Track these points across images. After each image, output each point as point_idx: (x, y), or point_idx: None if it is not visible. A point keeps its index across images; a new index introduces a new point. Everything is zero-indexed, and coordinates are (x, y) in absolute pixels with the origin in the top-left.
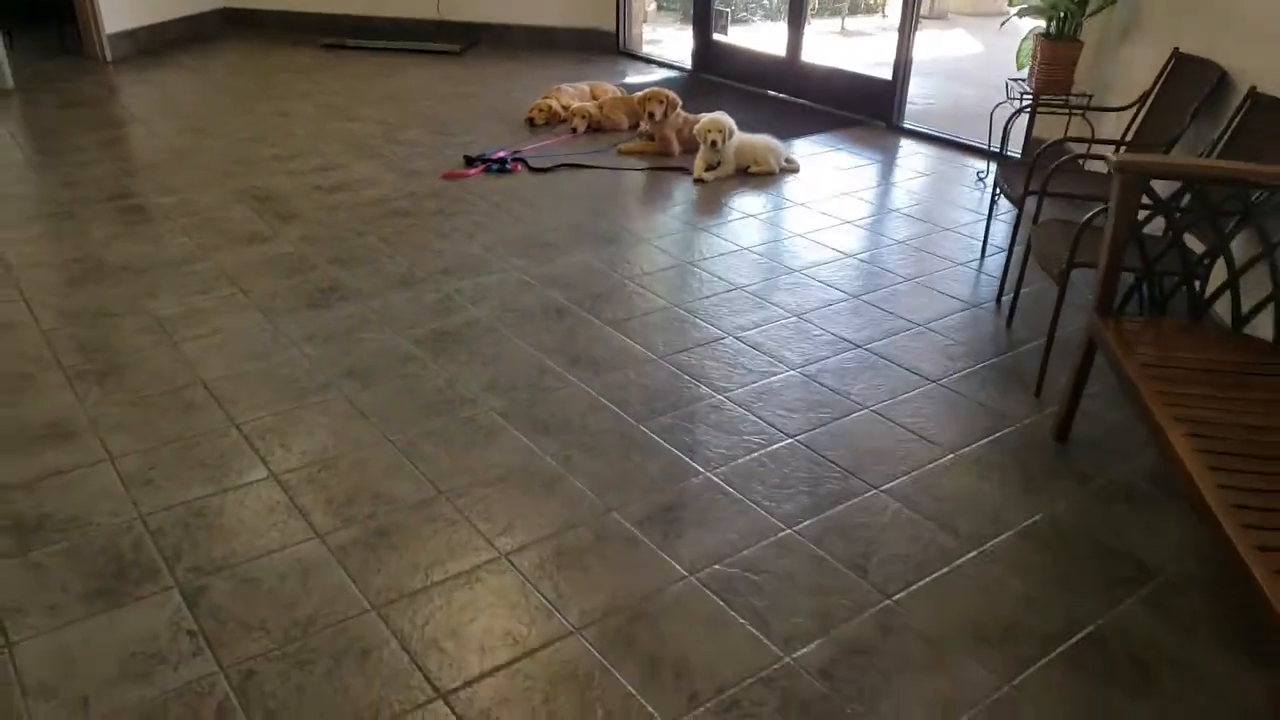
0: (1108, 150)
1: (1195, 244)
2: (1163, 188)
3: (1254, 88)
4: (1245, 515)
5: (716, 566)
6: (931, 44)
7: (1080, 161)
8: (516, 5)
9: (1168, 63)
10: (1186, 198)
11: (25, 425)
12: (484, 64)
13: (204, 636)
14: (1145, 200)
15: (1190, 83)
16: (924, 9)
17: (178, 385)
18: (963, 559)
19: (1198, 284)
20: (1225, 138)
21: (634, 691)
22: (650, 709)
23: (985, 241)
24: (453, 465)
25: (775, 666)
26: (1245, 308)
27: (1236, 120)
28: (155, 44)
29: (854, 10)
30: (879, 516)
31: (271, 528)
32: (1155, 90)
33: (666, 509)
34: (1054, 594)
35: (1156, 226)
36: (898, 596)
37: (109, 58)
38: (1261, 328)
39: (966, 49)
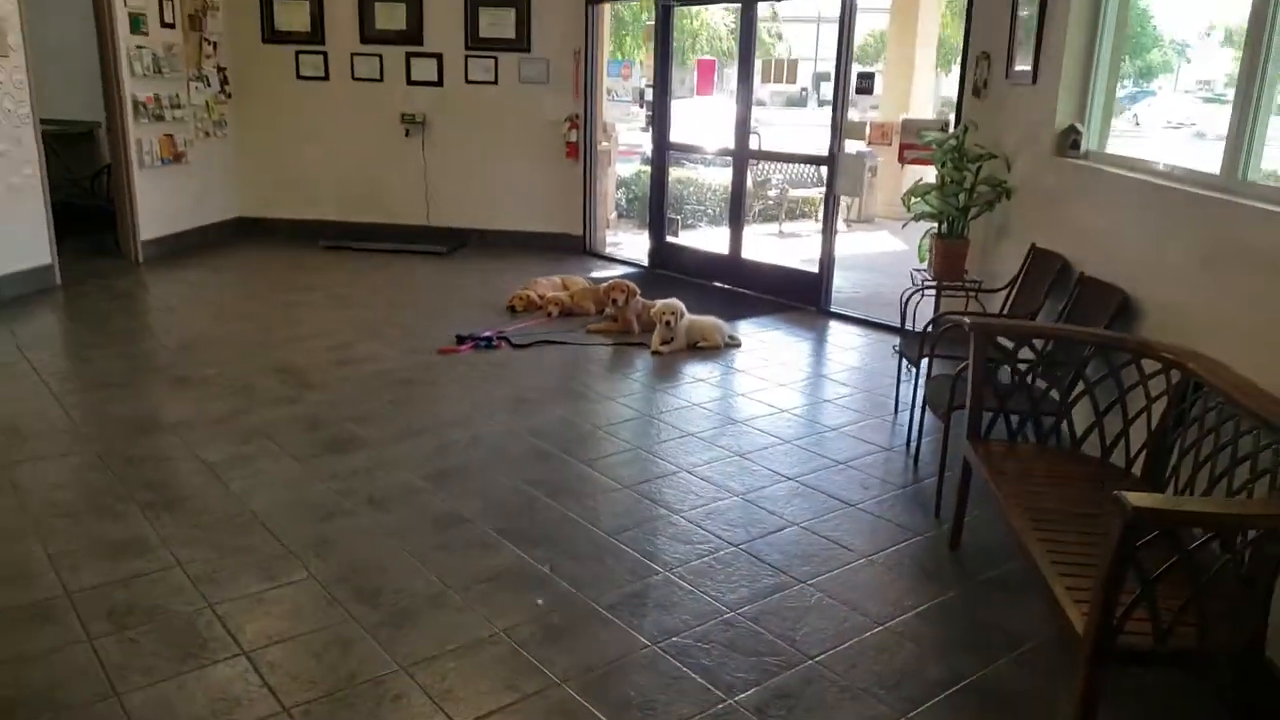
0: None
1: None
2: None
3: (1082, 273)
4: (1061, 568)
5: (674, 638)
6: (859, 243)
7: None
8: (496, 213)
9: (1028, 255)
10: (1026, 350)
11: (112, 542)
12: (469, 262)
13: (269, 687)
14: (1009, 355)
15: (1043, 269)
16: (853, 214)
17: (230, 513)
18: (870, 632)
19: (1043, 417)
20: (1067, 309)
21: None
22: None
23: (897, 399)
24: (459, 569)
25: (720, 706)
26: (1078, 432)
27: (1073, 296)
28: (180, 248)
29: (790, 215)
30: (805, 602)
31: (316, 612)
32: (1020, 276)
33: (633, 597)
34: (941, 655)
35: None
36: (819, 657)
37: (141, 259)
38: (1090, 447)
39: (889, 247)
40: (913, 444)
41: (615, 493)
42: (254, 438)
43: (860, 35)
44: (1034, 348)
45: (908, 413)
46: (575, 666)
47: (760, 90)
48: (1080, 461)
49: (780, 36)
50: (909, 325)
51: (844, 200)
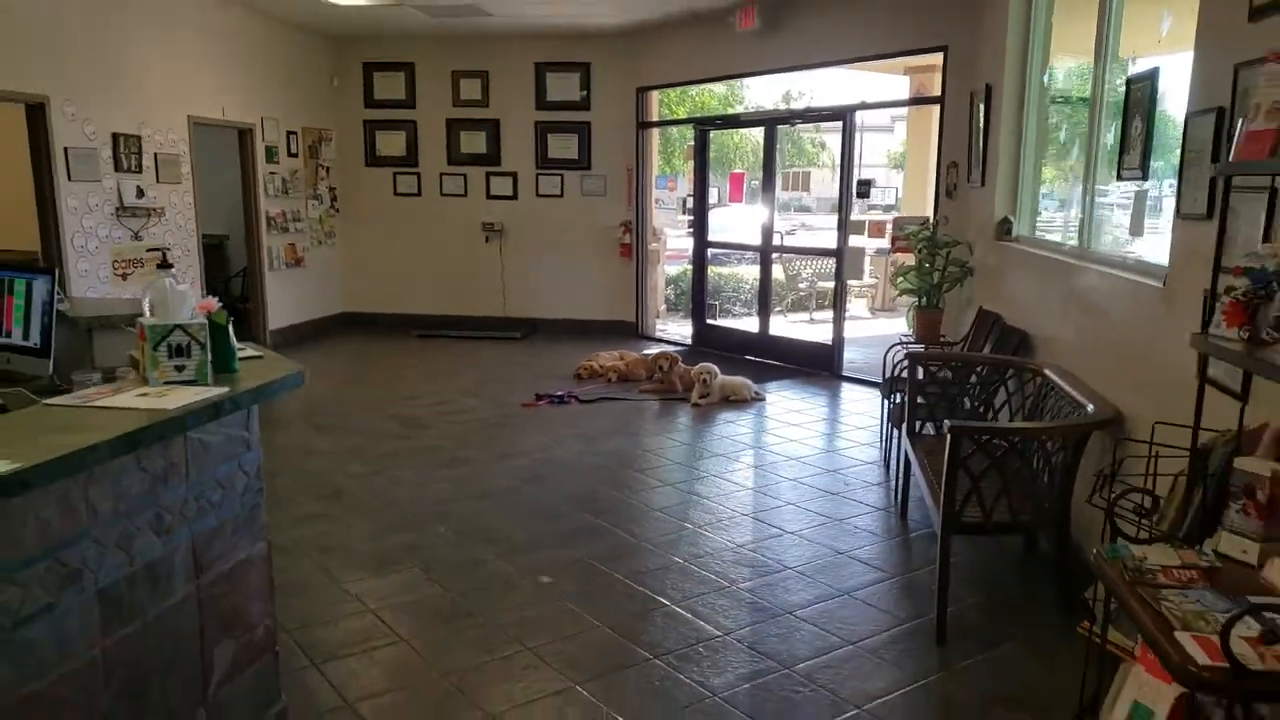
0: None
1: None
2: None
3: (1005, 322)
4: (933, 488)
5: (701, 557)
6: (880, 327)
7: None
8: (562, 304)
9: (976, 315)
10: (945, 370)
11: (303, 515)
12: (540, 345)
13: (436, 583)
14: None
15: (985, 323)
16: (877, 303)
17: (377, 500)
18: (840, 557)
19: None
20: (994, 348)
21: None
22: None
23: (882, 425)
24: (545, 530)
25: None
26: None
27: (999, 338)
28: (297, 337)
29: (819, 306)
30: (802, 543)
31: (456, 549)
32: (971, 331)
33: (669, 541)
34: (886, 561)
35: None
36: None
37: (269, 345)
38: None
39: (905, 329)
40: (884, 452)
41: (660, 488)
42: (383, 460)
43: (897, 144)
44: (953, 369)
45: (884, 434)
46: (629, 572)
47: (806, 199)
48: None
49: (824, 145)
50: (883, 373)
51: (866, 290)
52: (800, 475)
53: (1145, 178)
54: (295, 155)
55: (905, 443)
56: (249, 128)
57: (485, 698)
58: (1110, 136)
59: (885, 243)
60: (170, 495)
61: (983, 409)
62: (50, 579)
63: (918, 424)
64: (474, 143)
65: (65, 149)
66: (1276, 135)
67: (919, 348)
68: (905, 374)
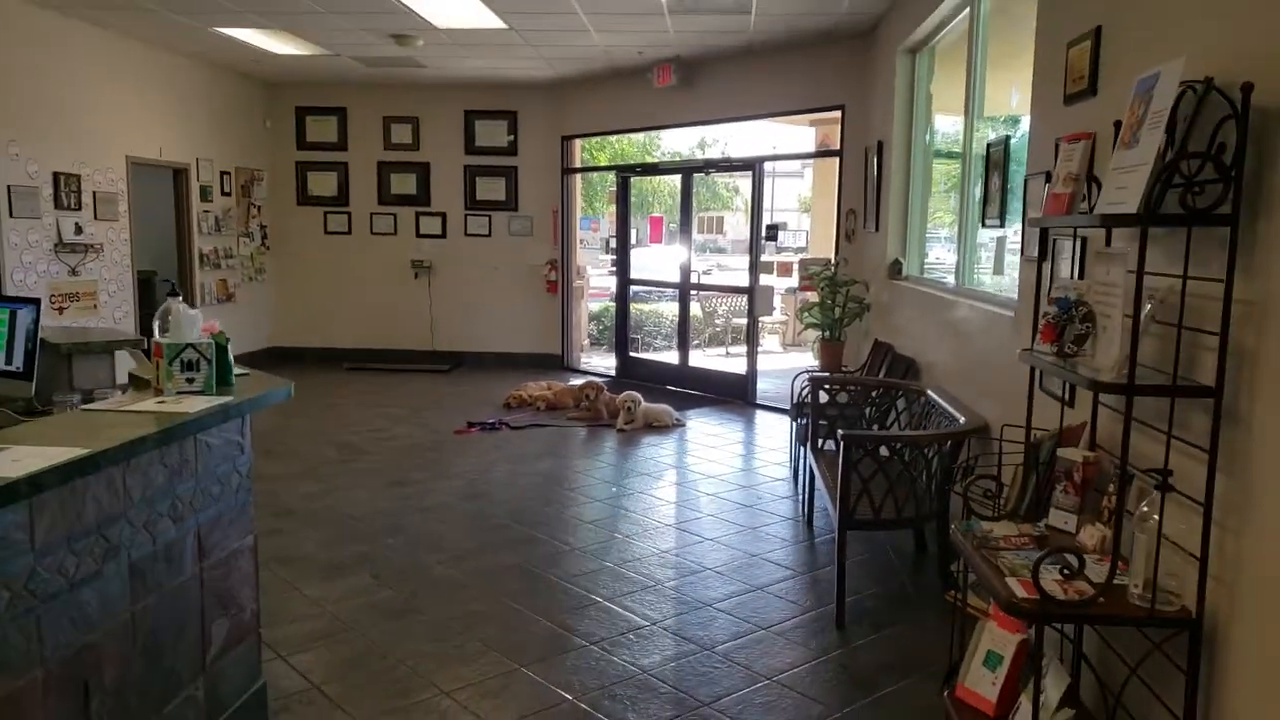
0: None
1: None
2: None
3: (896, 351)
4: (832, 491)
5: (633, 561)
6: (791, 360)
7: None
8: (489, 337)
9: (872, 346)
10: (840, 391)
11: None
12: (468, 377)
13: (386, 588)
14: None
15: (880, 353)
16: (788, 339)
17: (329, 516)
18: (752, 559)
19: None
20: (886, 373)
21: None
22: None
23: (791, 447)
24: (490, 541)
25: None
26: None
27: (890, 366)
28: None
29: (735, 341)
30: (719, 548)
31: (403, 558)
32: (868, 360)
33: (600, 544)
34: (785, 545)
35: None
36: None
37: None
38: None
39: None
40: (794, 469)
41: (590, 503)
42: (331, 481)
43: (808, 188)
44: (851, 393)
45: (792, 454)
46: (564, 574)
47: (723, 240)
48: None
49: (737, 190)
50: (790, 399)
51: (778, 326)
52: (718, 491)
53: (1003, 225)
54: (229, 194)
55: (809, 458)
56: (184, 167)
57: (439, 678)
58: (979, 189)
59: (794, 281)
60: (183, 487)
61: (877, 426)
62: (97, 550)
63: (820, 441)
64: (404, 184)
65: (8, 187)
66: (1070, 198)
67: (823, 375)
68: (809, 398)
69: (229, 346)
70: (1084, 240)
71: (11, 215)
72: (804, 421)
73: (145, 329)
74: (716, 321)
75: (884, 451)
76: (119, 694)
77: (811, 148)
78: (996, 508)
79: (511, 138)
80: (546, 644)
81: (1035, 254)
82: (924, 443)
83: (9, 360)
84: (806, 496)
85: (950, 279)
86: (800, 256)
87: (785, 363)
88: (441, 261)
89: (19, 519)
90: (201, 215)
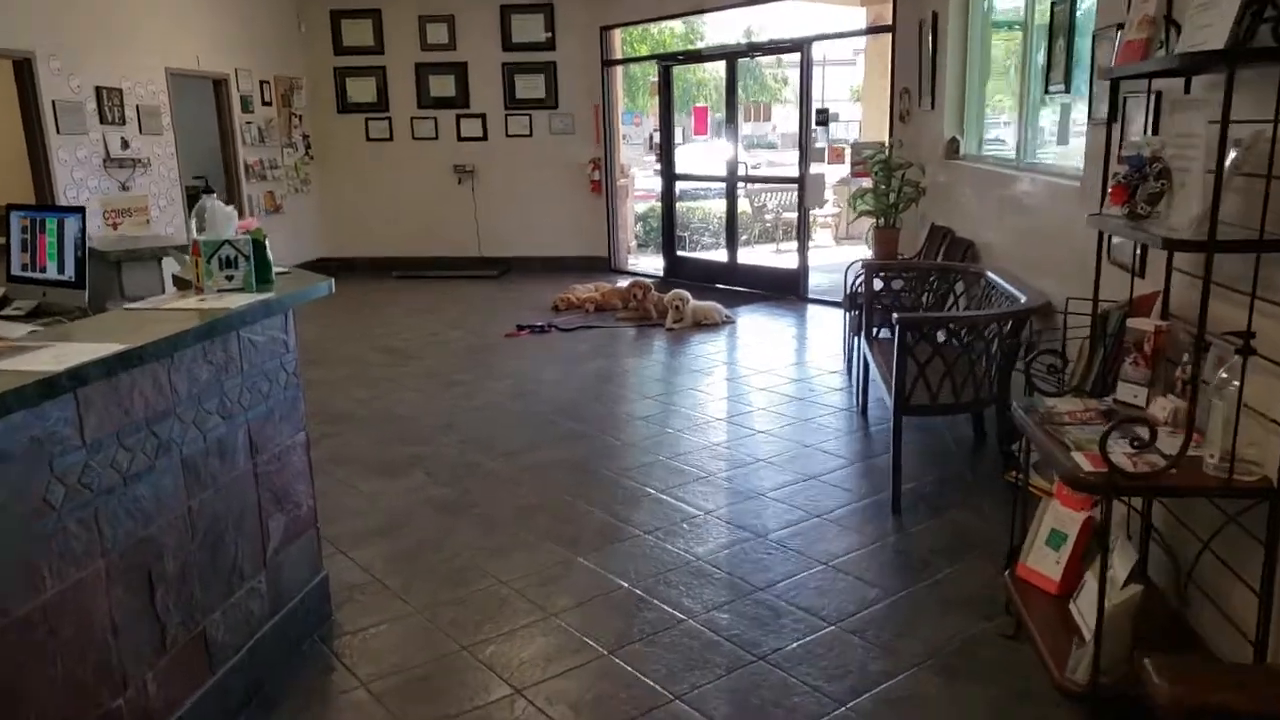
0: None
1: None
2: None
3: (954, 234)
4: (886, 378)
5: (682, 454)
6: (844, 254)
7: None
8: (536, 242)
9: (929, 231)
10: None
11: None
12: (517, 282)
13: (436, 483)
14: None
15: (937, 238)
16: (840, 231)
17: (386, 416)
18: (808, 449)
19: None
20: (944, 256)
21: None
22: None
23: (844, 340)
24: (540, 435)
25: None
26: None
27: (948, 249)
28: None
29: (785, 237)
30: (772, 441)
31: (456, 455)
32: (924, 245)
33: (651, 439)
34: (847, 446)
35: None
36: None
37: None
38: None
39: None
40: (847, 361)
41: (640, 400)
42: (381, 385)
43: (860, 78)
44: (907, 279)
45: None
46: (616, 469)
47: (772, 134)
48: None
49: (785, 81)
50: (844, 290)
51: (830, 219)
52: (769, 385)
53: (1068, 90)
54: (269, 104)
55: (864, 347)
56: (223, 77)
57: (496, 568)
58: (1041, 55)
59: (845, 169)
60: (230, 384)
61: (937, 311)
62: (149, 446)
63: (875, 329)
64: (443, 86)
65: (53, 103)
66: (1145, 44)
67: (877, 263)
68: (863, 286)
69: (266, 243)
70: (1158, 95)
71: (59, 132)
72: (858, 312)
73: None
74: (766, 217)
75: (940, 336)
76: (183, 584)
77: (863, 26)
78: (1061, 383)
79: (549, 32)
80: (601, 534)
81: (1104, 115)
82: (982, 324)
83: (60, 269)
84: (861, 387)
85: (1010, 154)
86: (852, 140)
87: (838, 257)
88: (484, 165)
89: (66, 414)
90: (244, 126)
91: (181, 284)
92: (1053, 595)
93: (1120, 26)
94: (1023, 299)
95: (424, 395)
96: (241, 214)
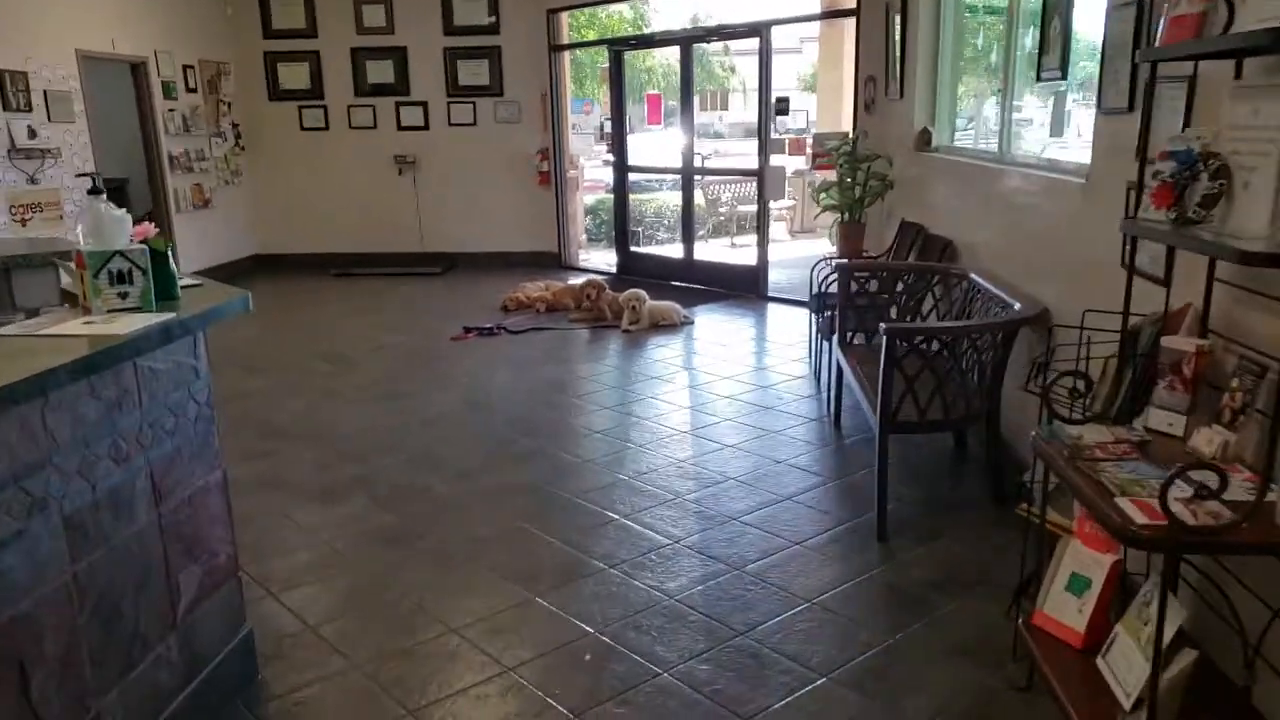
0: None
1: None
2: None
3: (928, 231)
4: (869, 393)
5: (645, 473)
6: (800, 249)
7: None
8: (482, 236)
9: (899, 227)
10: (873, 280)
11: (252, 451)
12: (462, 279)
13: (386, 510)
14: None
15: (908, 235)
16: (795, 225)
17: (321, 438)
18: (779, 466)
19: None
20: (917, 255)
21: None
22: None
23: (810, 344)
24: (492, 454)
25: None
26: None
27: (923, 248)
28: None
29: (740, 230)
30: (741, 456)
31: (406, 476)
32: (894, 243)
33: (611, 457)
34: (821, 465)
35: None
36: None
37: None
38: None
39: (825, 250)
40: (815, 369)
41: (599, 411)
42: (321, 397)
43: (807, 65)
44: (880, 280)
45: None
46: (576, 490)
47: (719, 125)
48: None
49: (733, 70)
50: (809, 289)
51: (785, 213)
52: (734, 393)
53: (1065, 77)
54: (194, 90)
55: (837, 353)
56: (141, 61)
57: (446, 613)
58: (1029, 41)
59: (803, 163)
60: (126, 422)
61: (911, 317)
62: (17, 506)
63: (849, 335)
64: (381, 72)
65: None
66: (1199, 19)
67: (853, 263)
68: (834, 288)
69: (170, 252)
70: (1190, 83)
71: None
72: (827, 314)
73: None
74: (720, 210)
75: (931, 345)
76: (67, 667)
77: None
78: (1083, 408)
79: (493, 17)
80: (561, 569)
81: (1120, 104)
82: (978, 333)
83: None
84: (832, 396)
85: (991, 146)
86: (813, 131)
87: (795, 251)
88: (426, 155)
89: None
90: (167, 114)
91: (72, 299)
92: (1077, 649)
93: (1142, 3)
94: (1016, 306)
95: (367, 407)
96: (166, 210)
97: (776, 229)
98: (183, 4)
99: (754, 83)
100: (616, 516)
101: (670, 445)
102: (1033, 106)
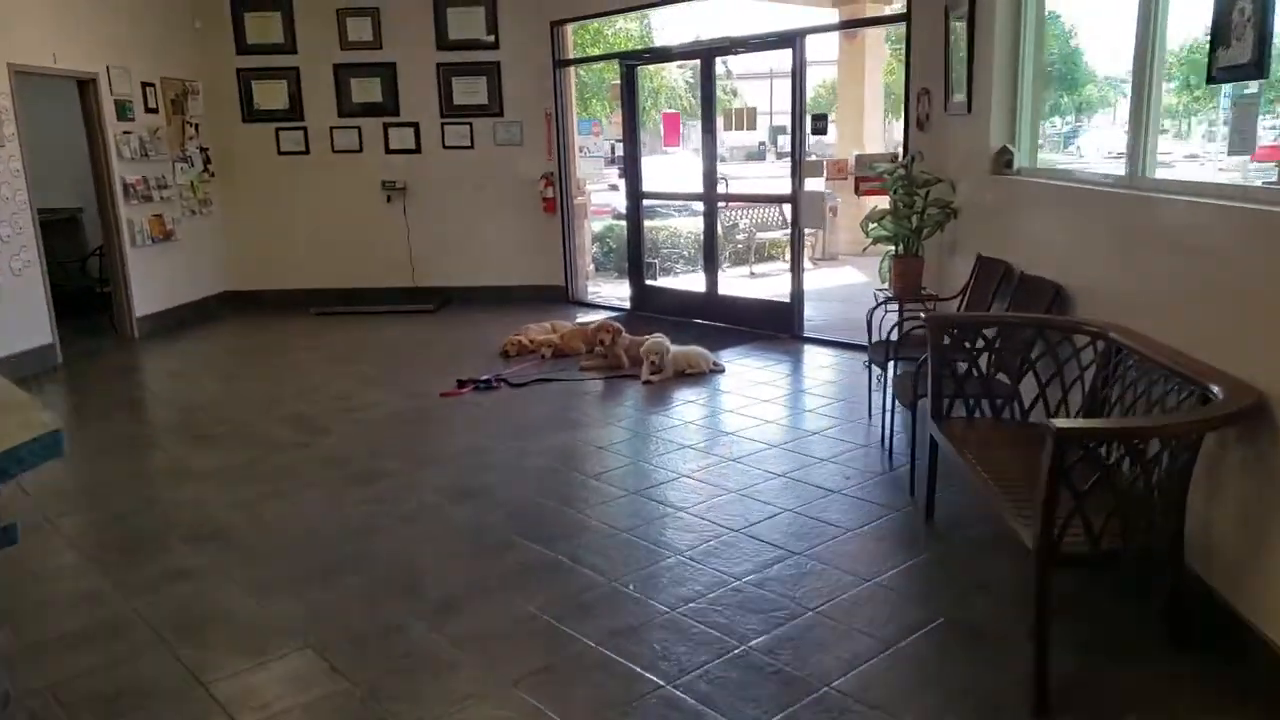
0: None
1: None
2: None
3: (1022, 273)
4: (1019, 506)
5: (690, 604)
6: (825, 278)
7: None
8: (480, 269)
9: (975, 265)
10: (978, 339)
11: (171, 571)
12: (457, 318)
13: (337, 671)
14: (963, 345)
15: (989, 275)
16: (817, 252)
17: (271, 542)
18: (859, 587)
19: (998, 399)
20: (1009, 306)
21: None
22: None
23: (869, 404)
24: (488, 568)
25: (735, 651)
26: (1026, 404)
27: (1015, 294)
28: (173, 323)
29: (759, 258)
30: (802, 569)
31: (366, 607)
32: (970, 283)
33: (649, 577)
34: (922, 601)
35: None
36: (819, 608)
37: (136, 335)
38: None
39: (852, 279)
40: (886, 439)
41: (621, 498)
42: (278, 480)
43: (811, 88)
44: (985, 336)
45: (880, 414)
46: (602, 634)
47: (722, 148)
48: (1030, 428)
49: (735, 93)
50: (876, 337)
51: (808, 239)
52: (787, 469)
53: (1263, 74)
54: (155, 110)
55: (930, 429)
56: (90, 78)
57: None
58: (1195, 28)
59: (822, 184)
60: None
61: (1007, 381)
62: None
63: (946, 405)
64: (367, 91)
65: None
66: None
67: (951, 316)
68: (897, 336)
69: None
70: None
71: None
72: (897, 370)
73: (56, 280)
74: (738, 237)
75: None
76: None
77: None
78: None
79: (492, 37)
80: None
81: None
82: (1181, 433)
83: None
84: (914, 474)
85: (1113, 167)
86: (854, 153)
87: (819, 281)
88: (418, 181)
89: None
90: (121, 138)
91: None
92: None
93: None
94: (1216, 391)
95: (333, 495)
96: (118, 240)
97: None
98: (143, 15)
99: (757, 105)
100: (661, 683)
101: (720, 554)
102: (1170, 118)
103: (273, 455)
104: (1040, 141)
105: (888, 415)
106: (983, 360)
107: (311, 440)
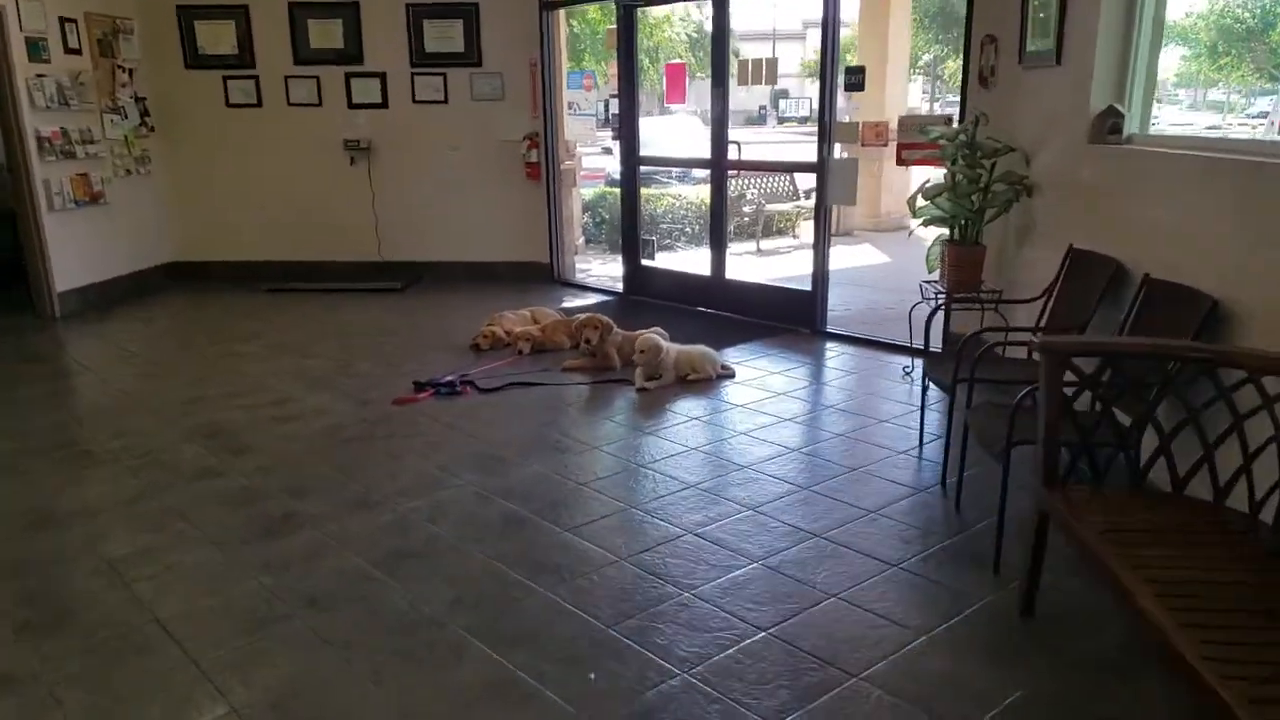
0: (1025, 337)
1: (1123, 415)
2: (1085, 365)
3: (1147, 275)
4: (1228, 668)
5: None
6: (841, 258)
7: (998, 349)
8: (454, 243)
9: (1065, 258)
10: (1109, 373)
11: None
12: (427, 298)
13: None
14: (1071, 377)
15: (1088, 274)
16: (831, 227)
17: (131, 627)
18: None
19: (1132, 452)
20: (1130, 318)
21: None
22: None
23: (921, 430)
24: (422, 689)
25: None
26: (1181, 471)
27: (1137, 305)
28: (103, 299)
29: (767, 233)
30: (862, 705)
31: None
32: (1058, 282)
33: (645, 715)
34: None
35: (1082, 401)
36: None
37: (58, 314)
38: (1198, 488)
39: (874, 260)
40: (949, 482)
41: (609, 567)
42: (167, 522)
43: (810, 53)
44: (1121, 370)
45: (935, 445)
46: None
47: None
48: (1189, 508)
49: (737, 54)
50: (925, 344)
51: (810, 212)
52: (825, 525)
53: None
54: (77, 51)
55: (1041, 497)
56: None
57: None
58: None
59: (839, 150)
60: None
61: (1131, 430)
62: None
63: (1069, 469)
64: (328, 35)
65: None
66: None
67: (1070, 342)
68: (973, 358)
69: None
70: None
71: None
72: (981, 403)
73: None
74: (744, 209)
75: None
76: None
77: None
78: None
79: None
80: None
81: None
82: None
83: None
84: (1018, 563)
85: None
86: (899, 114)
87: (835, 261)
88: (385, 140)
89: None
90: (33, 81)
91: None
92: None
93: None
94: None
95: (229, 556)
96: (32, 204)
97: (804, 230)
98: None
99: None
100: None
101: (740, 674)
102: None
103: (167, 488)
104: (1158, 97)
105: (954, 453)
106: (1108, 403)
107: (223, 465)
